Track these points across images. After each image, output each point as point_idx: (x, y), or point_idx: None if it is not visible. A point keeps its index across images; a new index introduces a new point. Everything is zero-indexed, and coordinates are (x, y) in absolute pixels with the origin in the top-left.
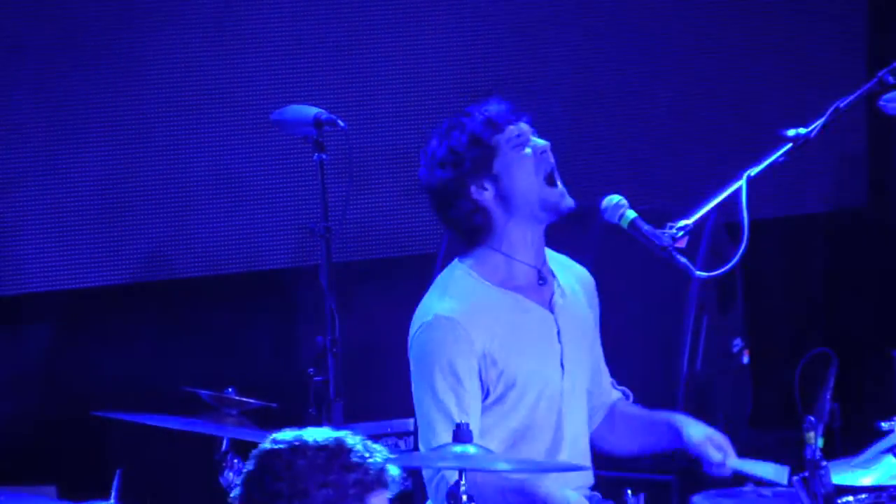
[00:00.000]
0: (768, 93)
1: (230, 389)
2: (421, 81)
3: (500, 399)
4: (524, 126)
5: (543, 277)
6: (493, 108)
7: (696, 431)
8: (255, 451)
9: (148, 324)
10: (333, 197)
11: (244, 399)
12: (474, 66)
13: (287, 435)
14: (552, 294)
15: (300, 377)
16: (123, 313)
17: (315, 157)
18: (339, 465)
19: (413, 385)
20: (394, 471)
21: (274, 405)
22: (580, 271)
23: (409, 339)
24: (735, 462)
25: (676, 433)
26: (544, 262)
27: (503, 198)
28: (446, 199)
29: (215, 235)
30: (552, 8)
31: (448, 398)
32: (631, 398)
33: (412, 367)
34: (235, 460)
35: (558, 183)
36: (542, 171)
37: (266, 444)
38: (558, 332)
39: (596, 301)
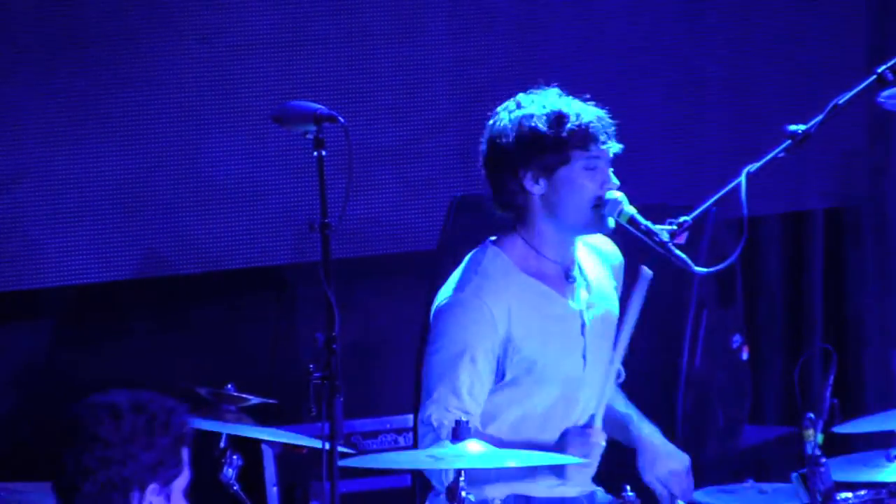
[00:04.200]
0: (768, 89)
1: (229, 386)
2: (420, 77)
3: (515, 382)
4: (606, 153)
5: (570, 276)
6: (594, 122)
7: (657, 470)
8: (70, 419)
9: (147, 320)
10: (333, 193)
11: (243, 395)
12: (474, 62)
13: (96, 400)
14: (578, 288)
15: (299, 373)
16: (122, 310)
17: (314, 154)
18: (160, 425)
19: (428, 349)
20: (190, 419)
21: (273, 401)
22: (610, 253)
23: (436, 305)
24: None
25: (632, 445)
26: (573, 261)
27: (548, 201)
28: (499, 165)
29: (215, 232)
30: (551, 4)
31: (462, 377)
32: (622, 378)
33: (431, 333)
34: (234, 456)
35: (604, 209)
36: (594, 200)
37: (79, 412)
38: (582, 326)
39: (621, 282)
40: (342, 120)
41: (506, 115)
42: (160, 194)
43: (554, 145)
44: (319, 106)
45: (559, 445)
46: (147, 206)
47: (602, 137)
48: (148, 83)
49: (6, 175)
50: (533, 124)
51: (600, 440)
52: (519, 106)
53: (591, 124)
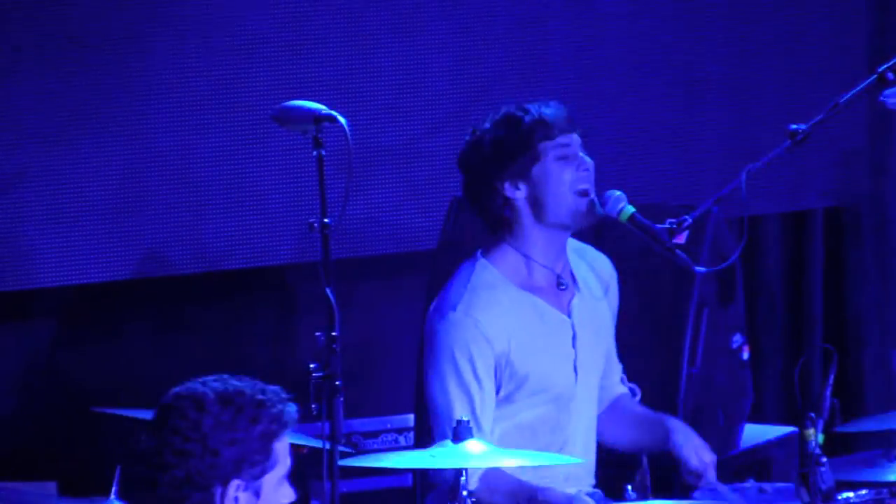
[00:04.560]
0: (768, 88)
1: None
2: (420, 77)
3: (509, 397)
4: (575, 138)
5: (563, 282)
6: (550, 112)
7: (685, 438)
8: (160, 408)
9: (148, 320)
10: (333, 193)
11: None
12: (474, 61)
13: (186, 390)
14: (571, 298)
15: (300, 373)
16: (123, 309)
17: (314, 153)
18: (246, 419)
19: (429, 372)
20: (291, 408)
21: None
22: (602, 264)
23: (429, 325)
24: (713, 481)
25: (666, 434)
26: (565, 265)
27: (534, 202)
28: (478, 187)
29: (215, 232)
30: (552, 4)
31: (469, 394)
32: (638, 396)
33: (429, 354)
34: None
35: (590, 195)
36: (577, 187)
37: (168, 401)
38: (574, 338)
39: (615, 293)
40: (342, 120)
41: (467, 144)
42: (160, 194)
43: (519, 146)
44: (319, 106)
45: None
46: (146, 206)
47: (561, 124)
48: (147, 83)
49: (5, 175)
50: (491, 137)
51: None
52: (473, 132)
53: (546, 113)
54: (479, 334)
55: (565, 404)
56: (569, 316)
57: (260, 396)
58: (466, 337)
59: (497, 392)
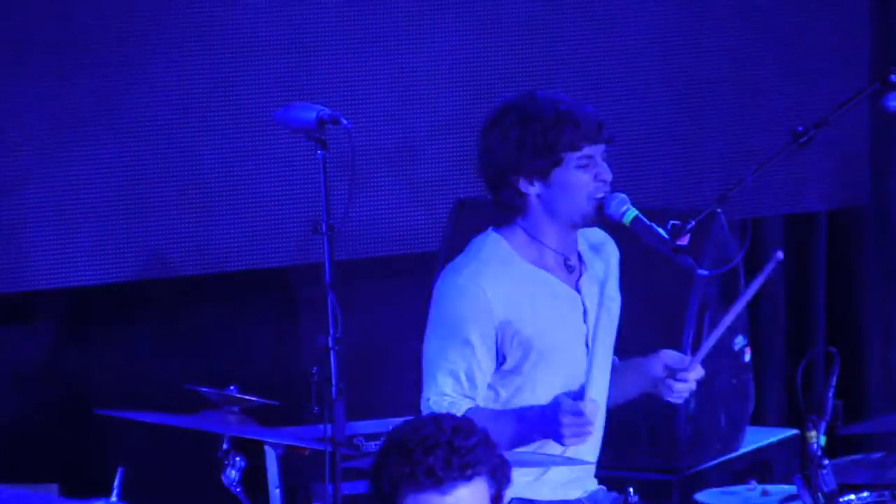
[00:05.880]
0: (771, 91)
1: (232, 387)
2: (424, 79)
3: (517, 370)
4: (599, 148)
5: (571, 264)
6: (582, 121)
7: (657, 367)
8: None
9: (150, 322)
10: (336, 195)
11: (246, 397)
12: (477, 63)
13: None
14: (579, 276)
15: (302, 375)
16: (125, 311)
17: (317, 155)
18: (381, 456)
19: (428, 332)
20: (421, 466)
21: (276, 403)
22: (605, 243)
23: (435, 290)
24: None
25: (644, 373)
26: (574, 251)
27: (545, 200)
28: (492, 173)
29: (218, 233)
30: (555, 5)
31: (458, 361)
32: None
33: (431, 315)
34: (237, 458)
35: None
36: (593, 195)
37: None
38: (584, 313)
39: (617, 272)
40: (345, 122)
41: (493, 124)
42: (163, 196)
43: (544, 150)
44: (323, 108)
45: (550, 413)
46: (149, 208)
47: (590, 133)
48: (151, 85)
49: (8, 178)
50: (516, 131)
51: (593, 416)
52: (505, 114)
53: (580, 124)
54: (480, 302)
55: (576, 381)
56: (578, 293)
57: (405, 443)
58: (467, 304)
59: (504, 362)
